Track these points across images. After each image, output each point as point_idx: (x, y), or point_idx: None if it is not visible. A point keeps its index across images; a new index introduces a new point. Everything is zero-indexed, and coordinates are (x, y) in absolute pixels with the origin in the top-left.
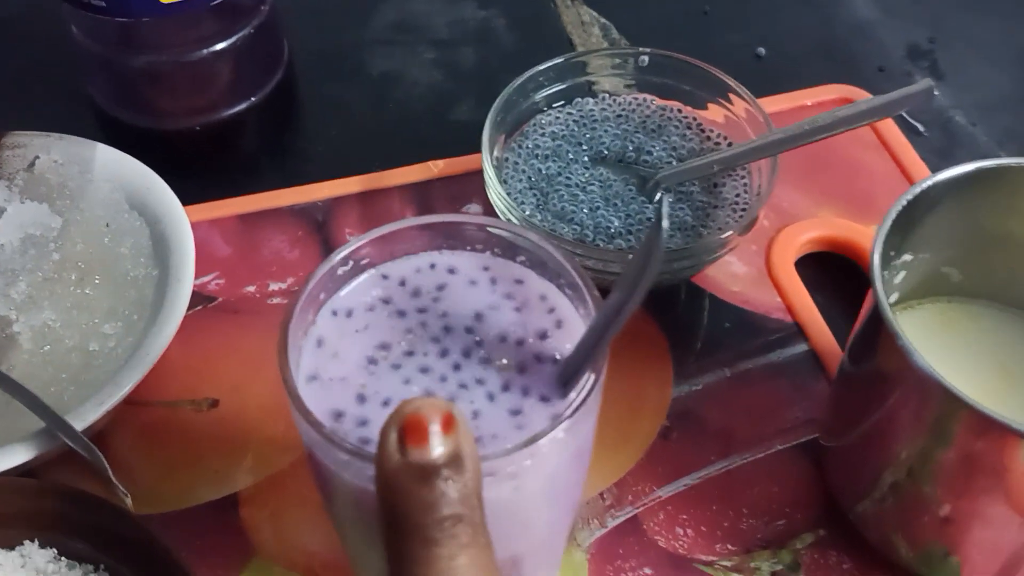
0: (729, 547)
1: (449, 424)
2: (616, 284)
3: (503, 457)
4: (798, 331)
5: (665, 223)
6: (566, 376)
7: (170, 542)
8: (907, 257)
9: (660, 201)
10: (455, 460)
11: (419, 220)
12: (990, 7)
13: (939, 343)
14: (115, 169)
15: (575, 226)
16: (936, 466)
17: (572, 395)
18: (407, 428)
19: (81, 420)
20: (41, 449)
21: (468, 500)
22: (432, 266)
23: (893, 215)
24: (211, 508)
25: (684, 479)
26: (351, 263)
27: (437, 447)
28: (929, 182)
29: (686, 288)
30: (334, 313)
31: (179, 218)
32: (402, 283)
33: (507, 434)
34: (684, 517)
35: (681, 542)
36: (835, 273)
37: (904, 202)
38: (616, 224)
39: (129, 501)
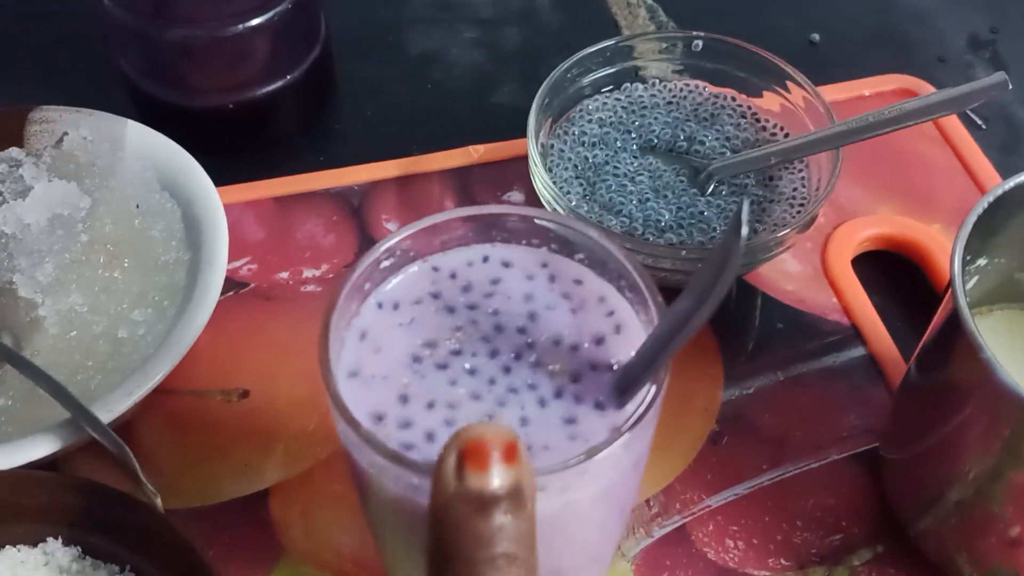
0: (783, 562)
1: (512, 453)
2: (685, 291)
3: (557, 473)
4: (855, 334)
5: (744, 229)
6: (624, 385)
7: (196, 539)
8: (982, 262)
9: (740, 203)
10: (516, 494)
11: (468, 211)
12: None
13: (1010, 352)
14: (146, 147)
15: (623, 218)
16: (1007, 485)
17: (630, 407)
18: (467, 452)
19: (108, 411)
20: (65, 441)
21: (525, 540)
22: (485, 259)
23: (974, 218)
24: (239, 504)
25: (735, 488)
26: (399, 252)
27: (497, 476)
28: (1011, 184)
29: (738, 286)
30: (379, 305)
31: (212, 201)
32: (452, 276)
33: (559, 444)
34: (735, 528)
35: (731, 555)
36: (894, 273)
37: (985, 204)
38: (667, 217)
39: (159, 501)
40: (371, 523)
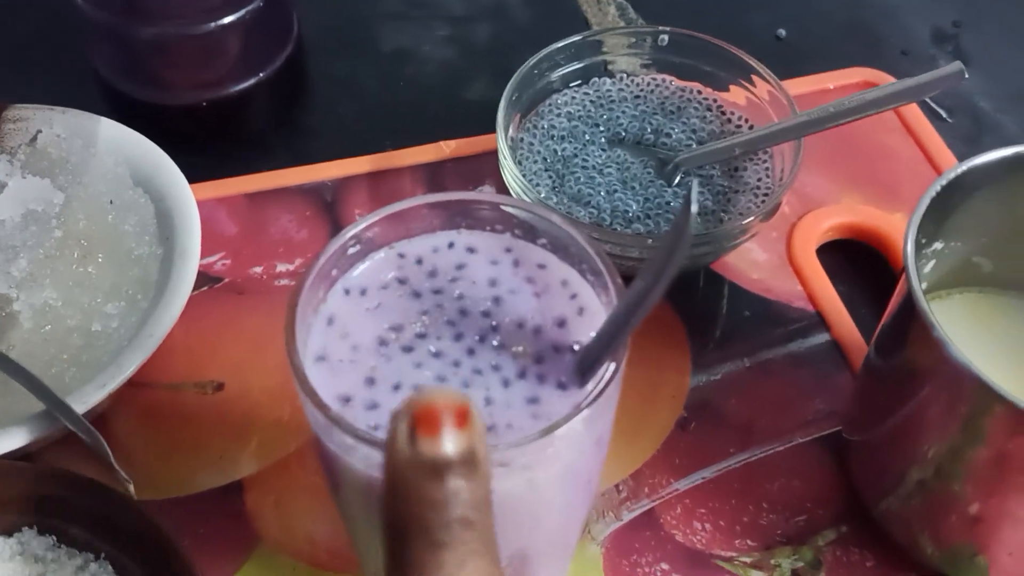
0: (749, 543)
1: (464, 418)
2: (640, 271)
3: (518, 447)
4: (820, 321)
5: (694, 208)
6: (585, 365)
7: (171, 530)
8: (938, 246)
9: (688, 186)
10: (470, 458)
11: (434, 198)
12: None
13: (969, 335)
14: (119, 144)
15: (592, 209)
16: (967, 463)
17: (591, 385)
18: (418, 418)
19: (82, 402)
20: (40, 432)
21: (481, 505)
22: (451, 245)
23: (926, 202)
24: (214, 494)
25: (702, 472)
26: (365, 239)
27: (450, 441)
28: (963, 167)
29: (705, 275)
30: (347, 292)
31: (185, 195)
32: (419, 262)
33: (522, 423)
34: (702, 511)
35: (699, 537)
36: (858, 261)
37: (938, 187)
38: (634, 208)
39: (131, 488)
40: (341, 508)
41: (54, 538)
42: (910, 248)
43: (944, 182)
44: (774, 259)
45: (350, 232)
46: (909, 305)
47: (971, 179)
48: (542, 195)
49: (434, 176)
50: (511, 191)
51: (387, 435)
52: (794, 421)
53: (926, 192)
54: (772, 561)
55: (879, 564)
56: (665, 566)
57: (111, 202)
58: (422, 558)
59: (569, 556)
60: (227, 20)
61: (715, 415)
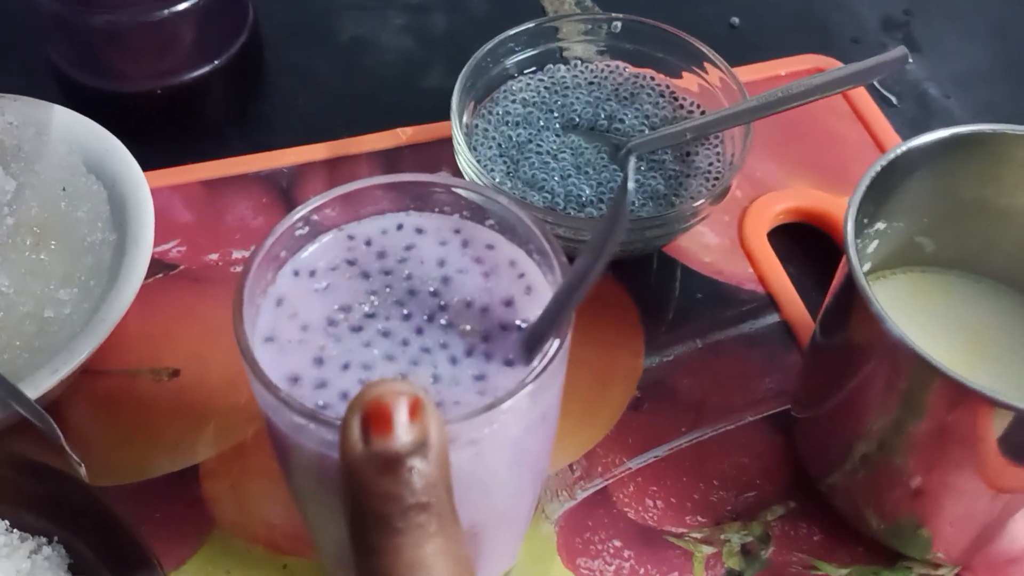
0: (699, 519)
1: (416, 410)
2: (581, 250)
3: (463, 422)
4: (770, 302)
5: (631, 184)
6: (531, 342)
7: (127, 514)
8: (880, 226)
9: (627, 163)
10: (421, 447)
11: (382, 179)
12: None
13: (912, 313)
14: (72, 132)
15: (546, 194)
16: (908, 437)
17: (536, 361)
18: (370, 416)
19: (34, 388)
20: None
21: (435, 488)
22: (400, 227)
23: (867, 182)
24: (171, 480)
25: (655, 451)
26: (314, 221)
27: (402, 436)
28: (903, 148)
29: (658, 258)
30: (296, 273)
31: (137, 181)
32: (368, 243)
33: (469, 400)
34: (654, 489)
35: (651, 514)
36: (808, 244)
37: (878, 168)
38: (587, 192)
39: (83, 470)
40: (293, 488)
41: (7, 523)
42: (850, 227)
43: (883, 163)
44: (726, 242)
45: (298, 214)
46: (849, 283)
47: (909, 161)
48: (496, 180)
49: (391, 163)
50: (466, 177)
51: (340, 431)
52: (744, 400)
53: (865, 173)
54: (722, 536)
55: (826, 538)
56: (617, 543)
57: (64, 189)
58: (382, 545)
59: (521, 533)
60: (181, 7)
61: (668, 395)
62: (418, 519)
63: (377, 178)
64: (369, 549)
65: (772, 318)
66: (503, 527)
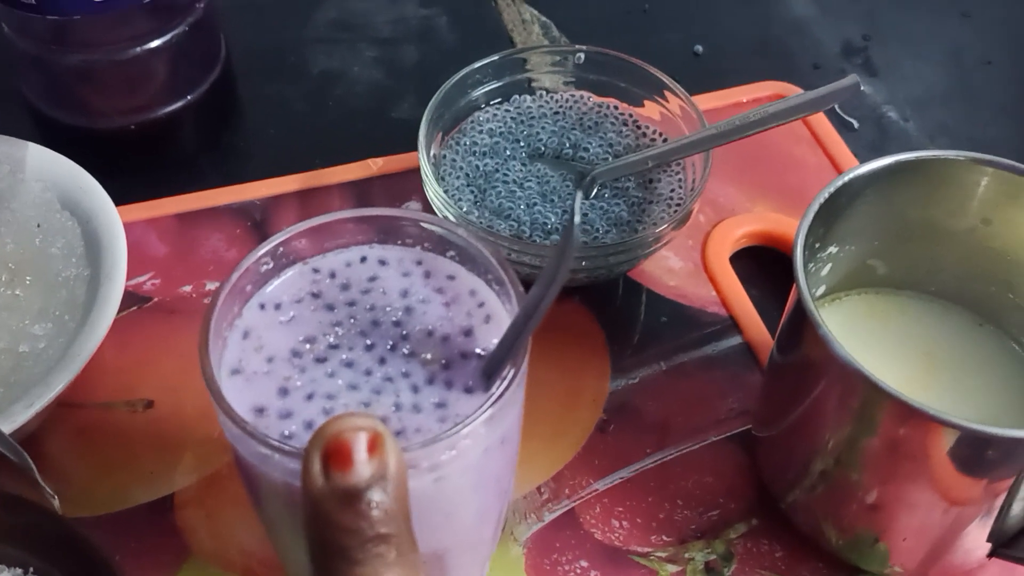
0: (664, 538)
1: (374, 445)
2: (536, 280)
3: (423, 448)
4: (732, 324)
5: (577, 218)
6: (490, 369)
7: (103, 544)
8: (832, 249)
9: (574, 197)
10: (379, 480)
11: (346, 214)
12: (922, 5)
13: (866, 334)
14: (47, 169)
15: (512, 222)
16: (862, 454)
17: (494, 387)
18: (330, 453)
19: (10, 422)
20: None
21: (393, 519)
22: (363, 259)
23: (816, 207)
24: (146, 509)
25: (620, 472)
26: (279, 255)
27: (361, 471)
28: (850, 175)
29: (623, 283)
30: (262, 306)
31: (110, 216)
32: (332, 275)
33: (431, 426)
34: (620, 509)
35: (617, 534)
36: (769, 267)
37: (826, 195)
38: (553, 220)
39: (56, 502)
40: (262, 517)
41: None
42: (799, 251)
43: (831, 191)
44: (689, 266)
45: (263, 249)
46: (800, 306)
47: (856, 187)
48: (464, 210)
49: (362, 193)
50: (434, 207)
51: (302, 465)
52: (708, 420)
53: (813, 200)
54: (686, 555)
55: (788, 555)
56: (584, 563)
57: (38, 225)
58: (342, 575)
59: (486, 556)
60: (153, 44)
61: (633, 417)
62: (377, 549)
63: (340, 213)
64: None
65: (735, 340)
66: (468, 550)
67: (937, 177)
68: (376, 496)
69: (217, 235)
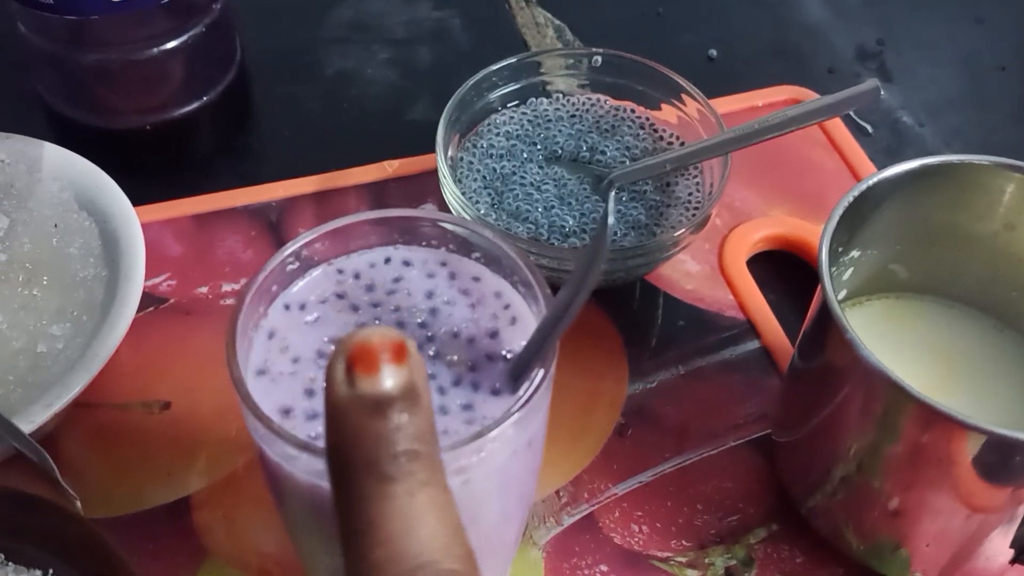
0: (684, 543)
1: (401, 353)
2: (565, 282)
3: (451, 451)
4: (750, 328)
5: (611, 219)
6: (517, 372)
7: (121, 546)
8: (855, 254)
9: (607, 198)
10: (410, 392)
11: (371, 215)
12: (936, 10)
13: (887, 339)
14: (64, 168)
15: (530, 225)
16: (884, 460)
17: (522, 390)
18: (355, 357)
19: (28, 422)
20: None
21: (425, 436)
22: (387, 260)
23: (840, 211)
24: (163, 511)
25: (639, 476)
26: (304, 256)
27: (389, 377)
28: (875, 179)
29: (640, 287)
30: (287, 307)
31: (128, 217)
32: (356, 277)
33: (457, 428)
34: (639, 514)
35: (636, 539)
36: (786, 271)
37: (851, 198)
38: (570, 223)
39: (79, 504)
40: (286, 518)
41: (2, 556)
42: (824, 255)
43: (855, 194)
44: (707, 270)
45: (288, 250)
46: (825, 310)
47: (880, 191)
48: (481, 212)
49: (377, 195)
50: (451, 209)
51: (325, 375)
52: (726, 425)
53: (838, 204)
54: (706, 560)
55: (808, 560)
56: (604, 568)
57: (56, 226)
58: (372, 492)
59: (509, 559)
60: (170, 45)
61: (651, 421)
62: (410, 466)
63: (365, 213)
64: (356, 498)
65: (752, 344)
66: (491, 554)
67: (962, 182)
68: (408, 408)
69: (233, 236)
